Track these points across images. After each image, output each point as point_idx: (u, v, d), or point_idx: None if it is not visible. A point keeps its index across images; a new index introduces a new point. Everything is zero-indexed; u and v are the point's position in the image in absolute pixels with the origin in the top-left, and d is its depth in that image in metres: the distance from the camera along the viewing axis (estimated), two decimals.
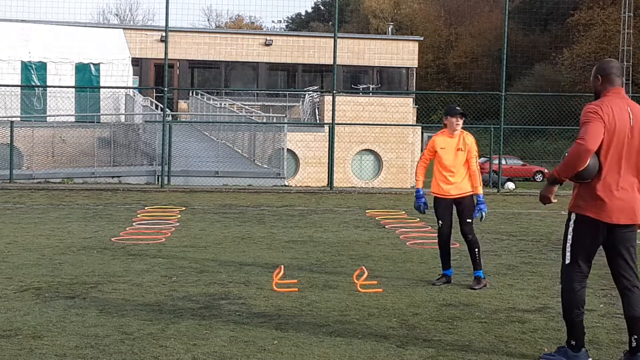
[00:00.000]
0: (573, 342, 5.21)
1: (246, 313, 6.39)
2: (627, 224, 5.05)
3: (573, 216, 5.17)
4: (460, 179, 7.76)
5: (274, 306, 6.65)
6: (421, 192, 7.94)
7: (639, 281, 5.11)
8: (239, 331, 5.84)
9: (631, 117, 4.96)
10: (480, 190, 7.83)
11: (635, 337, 5.04)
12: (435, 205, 7.92)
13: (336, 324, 6.08)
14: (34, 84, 25.43)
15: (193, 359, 5.18)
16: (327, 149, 19.68)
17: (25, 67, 25.57)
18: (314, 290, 7.33)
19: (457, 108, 7.81)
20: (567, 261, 5.24)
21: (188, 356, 5.22)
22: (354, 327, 6.00)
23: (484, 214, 7.85)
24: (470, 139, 7.80)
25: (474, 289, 7.55)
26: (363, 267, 7.64)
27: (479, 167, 7.92)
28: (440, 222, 7.92)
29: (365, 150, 28.72)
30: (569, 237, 5.21)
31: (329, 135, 19.50)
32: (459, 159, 7.74)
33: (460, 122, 7.75)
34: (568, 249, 5.24)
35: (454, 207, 7.88)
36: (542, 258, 9.41)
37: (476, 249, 7.81)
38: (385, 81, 43.23)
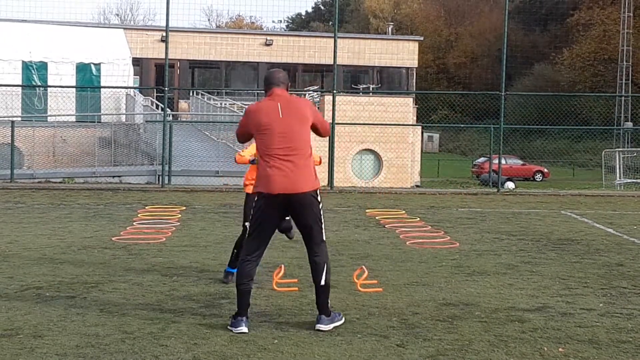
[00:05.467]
0: (237, 309, 5.97)
1: None
2: (291, 193, 5.92)
3: (255, 197, 6.15)
4: None
5: (274, 305, 6.66)
6: None
7: (319, 253, 6.08)
8: None
9: (280, 110, 6.02)
10: None
11: (316, 300, 6.02)
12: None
13: None
14: (34, 83, 25.44)
15: (193, 358, 5.20)
16: (327, 149, 19.68)
17: (26, 67, 25.58)
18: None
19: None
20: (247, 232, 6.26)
21: (188, 355, 5.24)
22: (354, 327, 6.02)
23: None
24: None
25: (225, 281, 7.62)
26: (363, 267, 7.65)
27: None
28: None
29: (366, 150, 28.68)
30: (253, 214, 6.15)
31: (329, 135, 19.49)
32: None
33: None
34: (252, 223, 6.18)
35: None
36: (542, 257, 9.42)
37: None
38: (385, 81, 43.25)
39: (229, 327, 5.89)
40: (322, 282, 5.99)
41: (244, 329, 5.83)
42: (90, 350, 5.29)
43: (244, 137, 6.30)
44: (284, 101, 6.11)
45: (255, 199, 6.11)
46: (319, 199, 6.08)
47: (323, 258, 6.07)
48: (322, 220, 6.10)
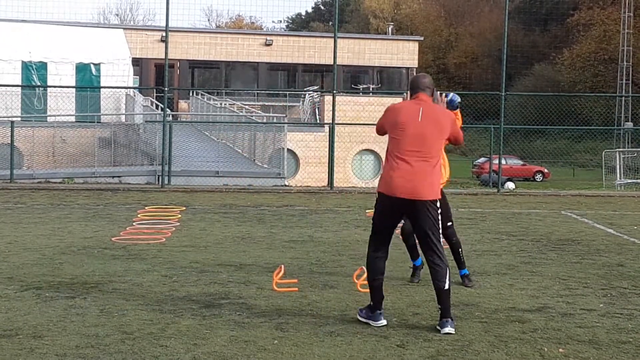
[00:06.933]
0: (371, 304, 6.14)
1: (246, 313, 6.39)
2: (411, 199, 5.97)
3: (377, 194, 6.22)
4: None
5: (274, 306, 6.65)
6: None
7: (440, 257, 6.00)
8: (239, 331, 5.84)
9: (421, 114, 6.11)
10: None
11: (439, 306, 5.99)
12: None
13: (336, 323, 6.09)
14: (34, 84, 25.44)
15: (193, 358, 5.19)
16: (327, 149, 19.68)
17: (26, 67, 25.57)
18: (314, 290, 7.34)
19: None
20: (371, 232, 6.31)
21: (188, 356, 5.23)
22: (354, 327, 6.01)
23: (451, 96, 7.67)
24: None
25: (468, 286, 7.60)
26: (363, 267, 7.62)
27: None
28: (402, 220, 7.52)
29: (366, 150, 28.70)
30: (375, 210, 6.27)
31: (329, 135, 19.51)
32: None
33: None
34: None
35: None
36: (542, 258, 9.42)
37: (460, 249, 7.82)
38: (385, 81, 43.25)
39: (363, 318, 6.09)
40: (446, 287, 5.95)
41: (384, 322, 6.05)
42: (90, 351, 5.28)
43: (381, 131, 6.43)
44: (427, 107, 6.20)
45: (377, 197, 6.18)
46: (437, 205, 6.09)
47: (444, 262, 6.02)
48: (439, 227, 6.11)
